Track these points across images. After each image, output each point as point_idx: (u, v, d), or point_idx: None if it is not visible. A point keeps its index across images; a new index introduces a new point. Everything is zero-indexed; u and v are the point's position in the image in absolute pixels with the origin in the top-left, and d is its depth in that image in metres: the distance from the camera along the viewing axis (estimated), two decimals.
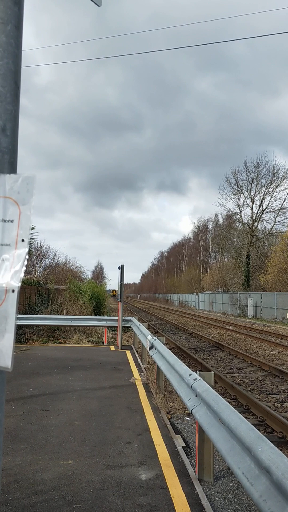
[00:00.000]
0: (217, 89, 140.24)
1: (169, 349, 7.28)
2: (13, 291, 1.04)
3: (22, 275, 1.03)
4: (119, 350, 13.09)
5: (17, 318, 1.01)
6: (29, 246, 1.29)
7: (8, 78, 1.15)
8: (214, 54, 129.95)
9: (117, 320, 14.20)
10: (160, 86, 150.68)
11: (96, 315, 18.99)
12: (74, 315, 16.84)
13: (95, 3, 1.46)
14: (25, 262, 1.05)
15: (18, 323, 13.32)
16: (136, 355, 12.11)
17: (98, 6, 1.47)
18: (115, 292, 51.09)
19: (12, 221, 1.07)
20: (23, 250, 1.05)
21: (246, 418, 6.86)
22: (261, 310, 36.73)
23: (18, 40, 1.19)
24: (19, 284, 1.05)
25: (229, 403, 4.75)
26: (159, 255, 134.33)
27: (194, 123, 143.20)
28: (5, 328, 1.04)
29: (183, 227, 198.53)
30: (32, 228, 19.54)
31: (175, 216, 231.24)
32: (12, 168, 1.14)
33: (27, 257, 1.05)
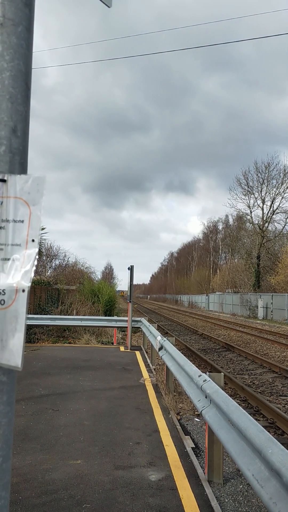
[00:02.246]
0: (223, 89, 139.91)
1: (179, 350, 7.26)
2: (23, 291, 1.05)
3: (33, 275, 1.04)
4: (128, 350, 13.10)
5: (27, 318, 1.01)
6: (40, 247, 1.29)
7: (19, 80, 1.16)
8: (220, 54, 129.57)
9: (126, 321, 14.21)
10: (167, 86, 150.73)
11: (105, 315, 19.03)
12: (84, 315, 16.89)
13: (105, 4, 1.46)
14: (35, 262, 1.06)
15: (28, 323, 13.42)
16: (146, 355, 12.11)
17: (109, 7, 1.47)
18: (123, 293, 51.12)
19: (22, 221, 1.08)
20: (33, 250, 1.06)
21: (256, 420, 6.82)
22: (271, 311, 36.50)
23: (29, 42, 1.20)
24: (30, 284, 1.05)
25: (239, 404, 4.72)
26: (168, 256, 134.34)
27: (201, 123, 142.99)
28: (16, 328, 1.05)
29: (191, 227, 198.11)
30: (43, 229, 19.66)
31: (183, 217, 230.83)
32: (22, 168, 1.15)
33: (37, 257, 1.05)
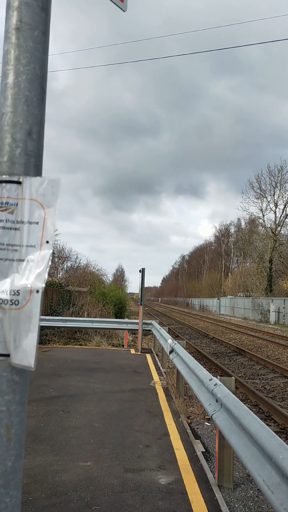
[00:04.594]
0: (232, 93, 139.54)
1: (190, 354, 7.24)
2: (37, 291, 1.06)
3: (46, 276, 1.05)
4: (139, 353, 13.09)
5: (40, 319, 1.02)
6: (52, 248, 1.30)
7: (35, 83, 1.18)
8: (229, 57, 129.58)
9: (137, 323, 14.22)
10: (176, 90, 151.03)
11: (116, 318, 19.06)
12: (95, 317, 16.93)
13: (120, 8, 1.47)
14: (49, 263, 1.07)
15: (40, 324, 13.46)
16: (156, 358, 12.09)
17: (124, 11, 1.48)
18: (134, 295, 51.02)
19: (37, 223, 1.09)
20: (48, 252, 1.07)
21: (267, 425, 6.76)
22: (283, 316, 36.18)
23: (45, 46, 1.22)
24: (43, 285, 1.06)
25: (250, 409, 4.69)
26: (180, 259, 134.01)
27: (210, 127, 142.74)
28: (29, 328, 1.06)
29: (202, 231, 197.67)
30: (55, 231, 19.78)
31: (193, 220, 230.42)
32: (37, 171, 1.16)
33: (51, 258, 1.06)
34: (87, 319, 15.32)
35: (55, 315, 16.29)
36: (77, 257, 26.56)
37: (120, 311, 22.42)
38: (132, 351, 13.59)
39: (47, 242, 1.07)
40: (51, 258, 1.06)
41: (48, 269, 1.06)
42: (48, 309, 16.73)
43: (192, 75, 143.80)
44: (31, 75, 1.17)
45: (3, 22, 1.24)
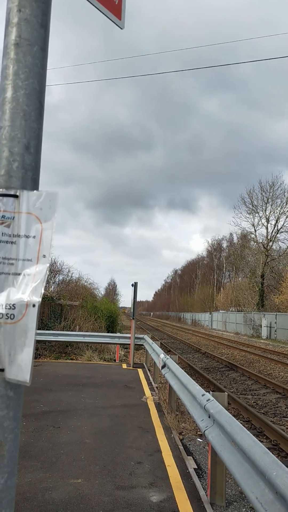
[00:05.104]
0: (223, 109, 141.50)
1: (182, 368, 7.20)
2: (33, 305, 1.05)
3: (43, 290, 1.04)
4: (131, 368, 12.99)
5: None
6: None
7: (33, 97, 1.18)
8: (220, 74, 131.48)
9: (129, 338, 14.14)
10: (169, 105, 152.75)
11: (108, 332, 18.94)
12: (87, 331, 16.82)
13: (118, 26, 1.50)
14: (46, 278, 1.06)
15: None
16: (148, 373, 12.00)
17: (121, 28, 1.51)
18: (125, 310, 50.86)
19: (34, 237, 1.08)
20: (44, 266, 1.06)
21: (260, 441, 6.71)
22: (275, 331, 36.20)
23: (44, 61, 1.23)
24: (40, 299, 1.06)
25: (243, 425, 4.65)
26: (172, 273, 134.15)
27: (202, 142, 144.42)
28: (25, 343, 1.05)
29: (194, 245, 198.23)
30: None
31: (186, 235, 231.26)
32: (34, 184, 1.16)
33: (47, 272, 1.06)
34: (78, 333, 15.21)
35: (46, 329, 16.15)
36: (69, 271, 26.45)
37: (112, 325, 22.29)
38: (124, 366, 13.48)
39: (44, 256, 1.07)
40: (47, 272, 1.06)
41: (44, 283, 1.05)
42: (39, 323, 16.57)
43: (184, 91, 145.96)
44: (29, 90, 1.18)
45: (2, 38, 1.25)
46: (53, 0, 1.30)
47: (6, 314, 1.06)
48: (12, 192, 1.11)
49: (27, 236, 1.09)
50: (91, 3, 1.41)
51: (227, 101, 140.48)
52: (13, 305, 1.06)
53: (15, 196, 1.11)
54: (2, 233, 1.09)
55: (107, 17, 1.47)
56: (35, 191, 1.13)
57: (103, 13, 1.46)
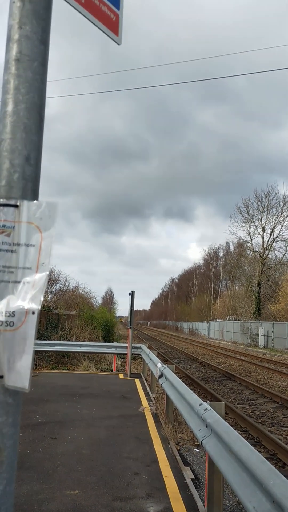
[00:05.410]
0: (219, 121, 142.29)
1: (179, 378, 7.19)
2: (33, 313, 1.08)
3: (42, 298, 1.07)
4: (128, 378, 12.94)
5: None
6: None
7: (33, 111, 1.22)
8: (215, 86, 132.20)
9: (126, 347, 14.11)
10: (165, 117, 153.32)
11: (105, 342, 18.90)
12: (84, 341, 16.77)
13: (115, 41, 1.54)
14: (45, 286, 1.09)
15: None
16: (145, 383, 11.96)
17: (118, 44, 1.55)
18: (122, 319, 50.75)
19: (34, 245, 1.11)
20: (44, 274, 1.09)
21: (257, 451, 6.70)
22: (272, 339, 36.18)
23: (44, 76, 1.27)
24: (39, 307, 1.08)
25: (240, 435, 4.64)
26: (169, 282, 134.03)
27: (198, 153, 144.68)
28: (24, 350, 1.07)
29: (191, 254, 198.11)
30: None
31: (182, 243, 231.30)
32: (34, 195, 1.20)
33: (47, 280, 1.09)
34: (75, 343, 15.17)
35: (43, 339, 16.08)
36: (66, 280, 26.43)
37: (109, 335, 22.24)
38: (121, 376, 13.44)
39: (43, 264, 1.09)
40: (47, 280, 1.08)
41: (44, 291, 1.08)
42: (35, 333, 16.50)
43: (180, 103, 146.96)
44: (29, 104, 1.22)
45: (3, 53, 1.29)
46: (52, 16, 1.34)
47: (6, 322, 1.08)
48: (12, 202, 1.15)
49: (27, 245, 1.12)
50: (89, 20, 1.46)
51: (222, 112, 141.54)
52: (12, 312, 1.08)
53: (16, 206, 1.14)
54: (3, 242, 1.12)
55: (104, 33, 1.51)
56: (35, 201, 1.16)
57: (100, 29, 1.50)
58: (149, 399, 9.57)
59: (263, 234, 49.90)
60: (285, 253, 49.45)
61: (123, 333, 37.63)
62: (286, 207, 48.13)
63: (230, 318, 53.46)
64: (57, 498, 4.30)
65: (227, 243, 78.00)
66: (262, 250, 49.76)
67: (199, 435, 4.51)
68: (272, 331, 36.26)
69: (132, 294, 13.57)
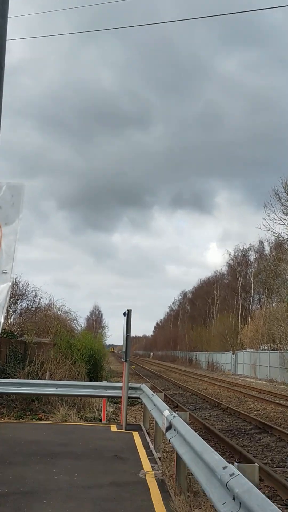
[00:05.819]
0: (248, 71, 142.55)
1: (194, 431, 7.19)
2: None
3: (2, 319, 1.06)
4: (123, 430, 12.95)
5: None
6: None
7: None
8: (243, 24, 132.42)
9: (120, 388, 14.11)
10: (172, 66, 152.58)
11: (91, 381, 18.91)
12: (61, 379, 16.77)
13: None
14: (7, 300, 1.08)
15: None
16: (147, 438, 11.97)
17: None
18: (113, 349, 51.00)
19: None
20: (5, 285, 1.08)
21: None
22: None
23: (3, 8, 1.27)
24: (1, 322, 1.07)
25: (282, 511, 4.63)
26: (180, 297, 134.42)
27: (219, 116, 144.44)
28: None
29: (210, 258, 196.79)
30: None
31: (198, 243, 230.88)
32: None
33: (9, 294, 1.08)
34: (49, 382, 15.17)
35: (5, 377, 16.09)
36: (36, 295, 26.47)
37: (95, 371, 22.27)
38: (113, 427, 13.44)
39: (4, 272, 1.08)
40: (9, 295, 1.07)
41: (5, 310, 1.06)
42: None
43: (193, 47, 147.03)
44: None
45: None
46: None
47: None
48: None
49: None
50: None
51: (253, 59, 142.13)
52: None
53: None
54: None
55: None
56: None
57: None
58: (152, 460, 9.57)
59: None
60: None
61: (116, 368, 37.65)
62: None
63: (266, 348, 53.47)
64: None
65: (261, 242, 78.09)
66: None
67: (224, 510, 4.49)
68: None
69: (128, 314, 13.57)
